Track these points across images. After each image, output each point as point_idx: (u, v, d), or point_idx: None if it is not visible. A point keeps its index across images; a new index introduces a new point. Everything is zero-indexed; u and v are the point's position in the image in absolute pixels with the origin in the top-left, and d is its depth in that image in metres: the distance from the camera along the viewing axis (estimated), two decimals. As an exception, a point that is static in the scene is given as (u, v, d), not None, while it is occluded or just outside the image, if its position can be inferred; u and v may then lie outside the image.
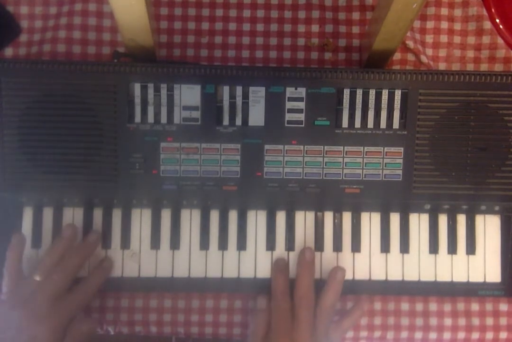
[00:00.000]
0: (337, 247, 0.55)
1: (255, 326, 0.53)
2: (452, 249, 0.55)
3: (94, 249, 0.53)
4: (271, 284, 0.53)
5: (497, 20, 0.55)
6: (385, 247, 0.55)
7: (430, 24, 0.59)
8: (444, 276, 0.55)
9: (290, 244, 0.55)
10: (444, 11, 0.59)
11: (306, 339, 0.50)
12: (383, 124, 0.53)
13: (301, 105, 0.53)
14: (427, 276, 0.55)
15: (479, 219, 0.56)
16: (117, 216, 0.55)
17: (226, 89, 0.52)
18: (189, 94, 0.52)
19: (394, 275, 0.55)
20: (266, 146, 0.53)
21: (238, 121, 0.53)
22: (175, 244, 0.54)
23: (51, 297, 0.49)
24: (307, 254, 0.53)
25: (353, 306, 0.54)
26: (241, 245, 0.54)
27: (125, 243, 0.54)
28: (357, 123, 0.53)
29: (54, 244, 0.52)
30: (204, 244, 0.54)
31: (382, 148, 0.53)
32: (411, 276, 0.55)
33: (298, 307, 0.51)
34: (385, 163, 0.53)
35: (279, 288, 0.52)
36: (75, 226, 0.53)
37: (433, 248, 0.55)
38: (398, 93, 0.53)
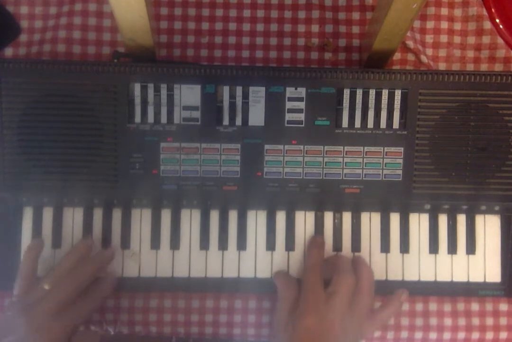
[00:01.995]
0: (337, 247, 0.55)
1: (283, 300, 0.51)
2: (452, 249, 0.55)
3: (107, 264, 0.53)
4: (304, 260, 0.53)
5: (497, 20, 0.55)
6: (385, 247, 0.55)
7: (430, 24, 0.59)
8: (444, 276, 0.55)
9: (290, 244, 0.55)
10: (444, 11, 0.59)
11: (336, 321, 0.48)
12: (383, 124, 0.53)
13: (301, 105, 0.53)
14: (427, 276, 0.55)
15: (479, 219, 0.56)
16: (117, 216, 0.55)
17: (226, 89, 0.52)
18: (189, 94, 0.52)
19: (394, 275, 0.55)
20: (266, 146, 0.53)
21: (238, 121, 0.53)
22: (175, 244, 0.54)
23: (55, 308, 0.48)
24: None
25: (390, 298, 0.52)
26: (241, 245, 0.54)
27: (125, 243, 0.54)
28: (357, 123, 0.53)
29: (69, 254, 0.52)
30: (204, 244, 0.54)
31: (382, 148, 0.53)
32: (411, 276, 0.55)
33: (336, 283, 0.49)
34: (385, 163, 0.53)
35: (312, 262, 0.52)
36: (92, 240, 0.54)
37: (433, 248, 0.55)
38: (398, 93, 0.53)
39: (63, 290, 0.49)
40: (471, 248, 0.55)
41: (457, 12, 0.59)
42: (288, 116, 0.53)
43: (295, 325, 0.48)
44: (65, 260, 0.51)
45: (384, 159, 0.53)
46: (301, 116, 0.53)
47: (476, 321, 0.57)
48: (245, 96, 0.53)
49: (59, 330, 0.48)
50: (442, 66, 0.59)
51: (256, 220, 0.55)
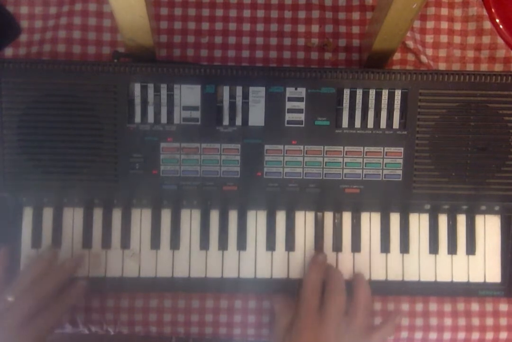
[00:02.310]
0: (337, 247, 0.55)
1: (279, 316, 0.52)
2: (452, 249, 0.55)
3: (71, 274, 0.52)
4: (303, 277, 0.53)
5: (497, 20, 0.55)
6: (385, 247, 0.55)
7: (430, 24, 0.59)
8: (444, 276, 0.55)
9: (290, 244, 0.55)
10: (444, 11, 0.59)
11: (330, 338, 0.48)
12: (383, 124, 0.53)
13: (301, 105, 0.53)
14: (427, 276, 0.55)
15: (479, 219, 0.56)
16: (117, 216, 0.55)
17: (226, 89, 0.52)
18: (189, 94, 0.52)
19: (394, 275, 0.55)
20: (266, 146, 0.53)
21: (238, 121, 0.53)
22: (175, 244, 0.54)
23: (20, 320, 0.47)
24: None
25: (384, 320, 0.53)
26: (241, 245, 0.54)
27: (125, 243, 0.54)
28: (357, 123, 0.53)
29: (32, 265, 0.51)
30: (204, 244, 0.54)
31: (382, 148, 0.53)
32: (411, 276, 0.55)
33: (327, 302, 0.50)
34: (385, 163, 0.53)
35: (311, 280, 0.51)
36: (56, 250, 0.53)
37: (433, 248, 0.55)
38: (398, 93, 0.53)
39: (27, 302, 0.48)
40: (471, 248, 0.55)
41: (457, 12, 0.59)
42: (288, 116, 0.53)
43: (292, 341, 0.49)
44: (29, 271, 0.51)
45: (384, 159, 0.53)
46: (301, 116, 0.53)
47: (476, 321, 0.57)
48: (245, 96, 0.53)
49: (28, 339, 0.48)
50: (442, 66, 0.59)
51: (256, 220, 0.55)
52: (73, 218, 0.55)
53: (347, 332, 0.49)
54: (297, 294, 0.52)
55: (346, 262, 0.55)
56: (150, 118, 0.52)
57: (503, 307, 0.57)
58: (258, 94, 0.52)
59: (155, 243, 0.54)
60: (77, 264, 0.53)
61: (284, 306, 0.53)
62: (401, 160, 0.53)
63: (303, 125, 0.53)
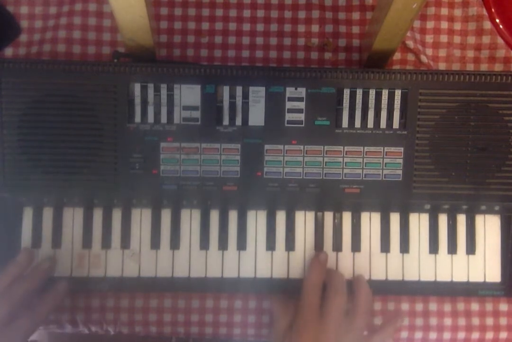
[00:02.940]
0: (337, 246, 0.55)
1: (279, 316, 0.52)
2: (452, 249, 0.55)
3: (46, 276, 0.52)
4: (304, 276, 0.53)
5: (497, 20, 0.55)
6: (385, 247, 0.55)
7: (430, 24, 0.59)
8: (444, 276, 0.55)
9: (290, 244, 0.55)
10: (444, 11, 0.59)
11: (331, 338, 0.48)
12: (383, 124, 0.53)
13: (301, 105, 0.53)
14: (427, 276, 0.55)
15: (479, 219, 0.56)
16: (117, 216, 0.55)
17: (226, 89, 0.52)
18: (189, 94, 0.52)
19: (394, 275, 0.55)
20: (266, 146, 0.53)
21: (238, 121, 0.53)
22: (175, 244, 0.54)
23: None
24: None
25: (385, 322, 0.53)
26: (241, 245, 0.54)
27: (125, 243, 0.54)
28: (357, 123, 0.53)
29: (6, 268, 0.51)
30: (204, 244, 0.54)
31: (382, 148, 0.53)
32: (411, 276, 0.55)
33: (328, 302, 0.49)
34: (385, 163, 0.53)
35: (312, 280, 0.51)
36: (32, 251, 0.53)
37: (433, 247, 0.55)
38: (398, 93, 0.53)
39: (2, 306, 0.48)
40: (471, 248, 0.55)
41: (457, 12, 0.59)
42: (288, 116, 0.53)
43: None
44: (3, 274, 0.50)
45: (384, 159, 0.53)
46: (301, 116, 0.53)
47: (476, 321, 0.57)
48: (245, 96, 0.53)
49: (10, 339, 0.47)
50: (442, 66, 0.59)
51: (256, 220, 0.55)
52: (73, 218, 0.55)
53: (348, 332, 0.49)
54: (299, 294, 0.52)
55: (346, 262, 0.55)
56: (150, 118, 0.52)
57: (503, 307, 0.57)
58: (258, 94, 0.52)
59: (155, 243, 0.54)
60: (50, 266, 0.53)
61: (284, 306, 0.53)
62: (401, 160, 0.53)
63: (303, 125, 0.53)
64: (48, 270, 0.53)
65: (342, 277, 0.52)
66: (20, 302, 0.49)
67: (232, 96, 0.52)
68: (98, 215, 0.54)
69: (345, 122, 0.53)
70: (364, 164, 0.53)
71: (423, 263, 0.55)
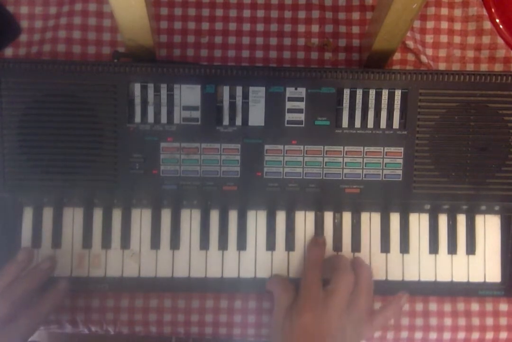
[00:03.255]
0: (337, 247, 0.55)
1: (279, 295, 0.51)
2: (452, 249, 0.55)
3: (46, 276, 0.52)
4: (305, 258, 0.53)
5: (497, 20, 0.55)
6: (385, 247, 0.55)
7: (430, 24, 0.59)
8: (444, 276, 0.55)
9: (290, 244, 0.55)
10: (444, 11, 0.59)
11: (333, 319, 0.48)
12: (383, 124, 0.53)
13: (301, 105, 0.53)
14: (427, 276, 0.55)
15: (479, 219, 0.56)
16: (117, 216, 0.55)
17: (226, 89, 0.52)
18: (189, 94, 0.52)
19: (394, 275, 0.55)
20: (266, 146, 0.53)
21: (238, 121, 0.53)
22: (175, 244, 0.54)
23: None
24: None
25: (389, 302, 0.52)
26: (241, 245, 0.54)
27: (125, 243, 0.54)
28: (357, 123, 0.53)
29: (6, 268, 0.51)
30: (204, 244, 0.54)
31: (382, 148, 0.53)
32: (411, 276, 0.55)
33: (334, 281, 0.49)
34: (385, 163, 0.53)
35: (313, 258, 0.52)
36: (32, 250, 0.53)
37: (433, 248, 0.55)
38: (398, 93, 0.53)
39: (1, 306, 0.48)
40: (471, 248, 0.55)
41: (457, 12, 0.59)
42: (288, 116, 0.53)
43: (292, 322, 0.48)
44: (3, 274, 0.50)
45: (384, 159, 0.53)
46: (301, 116, 0.53)
47: (476, 321, 0.57)
48: (245, 96, 0.53)
49: (11, 339, 0.47)
50: (442, 66, 0.59)
51: (256, 220, 0.55)
52: (73, 218, 0.55)
53: (350, 314, 0.49)
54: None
55: (346, 262, 0.55)
56: (150, 118, 0.52)
57: (503, 307, 0.57)
58: (258, 94, 0.52)
59: (155, 243, 0.54)
60: (50, 266, 0.53)
61: (284, 287, 0.52)
62: (401, 160, 0.53)
63: (303, 125, 0.53)
64: (48, 270, 0.53)
65: (346, 258, 0.52)
66: (20, 302, 0.49)
67: (232, 96, 0.53)
68: (98, 215, 0.55)
69: (345, 122, 0.53)
70: (364, 164, 0.53)
71: (423, 263, 0.55)
